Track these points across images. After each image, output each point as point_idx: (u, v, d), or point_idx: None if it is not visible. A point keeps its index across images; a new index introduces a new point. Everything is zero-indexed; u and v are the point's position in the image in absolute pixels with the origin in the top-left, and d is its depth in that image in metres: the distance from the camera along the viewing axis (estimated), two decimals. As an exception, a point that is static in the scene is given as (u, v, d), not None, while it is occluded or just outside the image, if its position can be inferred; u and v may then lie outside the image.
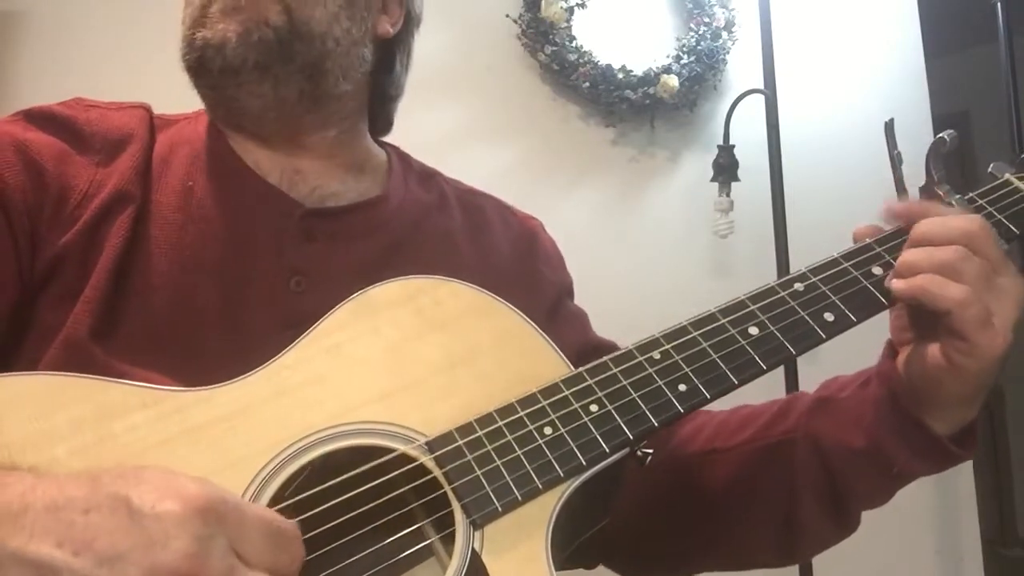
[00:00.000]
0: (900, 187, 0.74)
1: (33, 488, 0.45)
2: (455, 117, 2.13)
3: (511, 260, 0.86)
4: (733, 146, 1.98)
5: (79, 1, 2.04)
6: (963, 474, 2.22)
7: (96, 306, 0.67)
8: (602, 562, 0.81)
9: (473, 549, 0.54)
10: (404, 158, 0.91)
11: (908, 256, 0.64)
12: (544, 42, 2.11)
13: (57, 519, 0.43)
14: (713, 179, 2.00)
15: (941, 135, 0.73)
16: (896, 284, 0.63)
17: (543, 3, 2.10)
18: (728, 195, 1.99)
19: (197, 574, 0.42)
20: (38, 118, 0.75)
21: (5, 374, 0.57)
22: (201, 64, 0.75)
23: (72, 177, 0.72)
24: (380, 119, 0.92)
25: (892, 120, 0.75)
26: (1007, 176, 0.75)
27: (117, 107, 0.79)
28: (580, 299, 0.94)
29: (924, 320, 0.64)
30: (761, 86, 2.03)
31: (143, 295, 0.69)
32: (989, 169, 0.75)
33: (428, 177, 0.90)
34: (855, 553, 2.01)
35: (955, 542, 2.19)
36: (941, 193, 0.72)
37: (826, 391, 0.73)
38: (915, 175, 0.75)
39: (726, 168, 1.98)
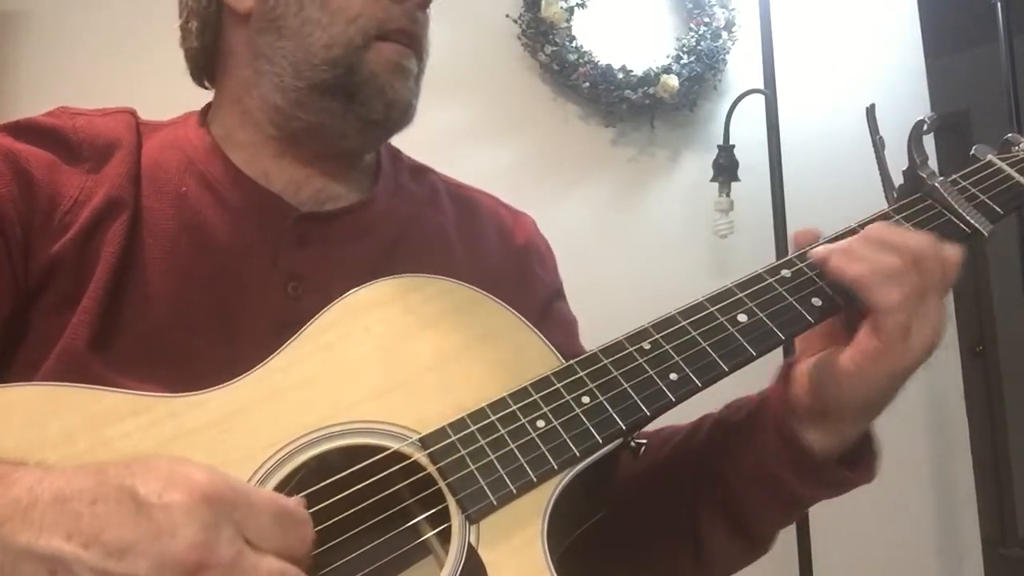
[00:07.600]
0: (884, 171, 0.74)
1: (41, 480, 0.45)
2: (455, 117, 2.13)
3: (503, 256, 0.86)
4: (733, 146, 1.98)
5: (79, 1, 2.04)
6: (963, 474, 2.22)
7: (93, 317, 0.66)
8: None
9: (469, 543, 0.54)
10: (394, 154, 0.91)
11: (854, 245, 0.64)
12: (544, 42, 2.11)
13: (64, 511, 0.43)
14: (713, 179, 2.01)
15: (921, 118, 0.73)
16: (836, 261, 0.63)
17: (543, 3, 2.10)
18: (728, 195, 1.99)
19: (206, 562, 0.42)
20: (25, 131, 0.74)
21: None
22: (362, 103, 0.76)
23: (62, 185, 0.71)
24: None
25: (873, 105, 0.76)
26: (990, 157, 0.74)
27: (102, 113, 0.79)
28: (579, 299, 0.93)
29: (839, 328, 0.66)
30: (761, 86, 2.03)
31: (140, 305, 0.69)
32: (971, 152, 0.75)
33: (419, 172, 0.90)
34: (855, 553, 2.01)
35: (955, 542, 2.18)
36: (924, 175, 0.72)
37: (726, 411, 0.75)
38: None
39: (726, 168, 1.98)
